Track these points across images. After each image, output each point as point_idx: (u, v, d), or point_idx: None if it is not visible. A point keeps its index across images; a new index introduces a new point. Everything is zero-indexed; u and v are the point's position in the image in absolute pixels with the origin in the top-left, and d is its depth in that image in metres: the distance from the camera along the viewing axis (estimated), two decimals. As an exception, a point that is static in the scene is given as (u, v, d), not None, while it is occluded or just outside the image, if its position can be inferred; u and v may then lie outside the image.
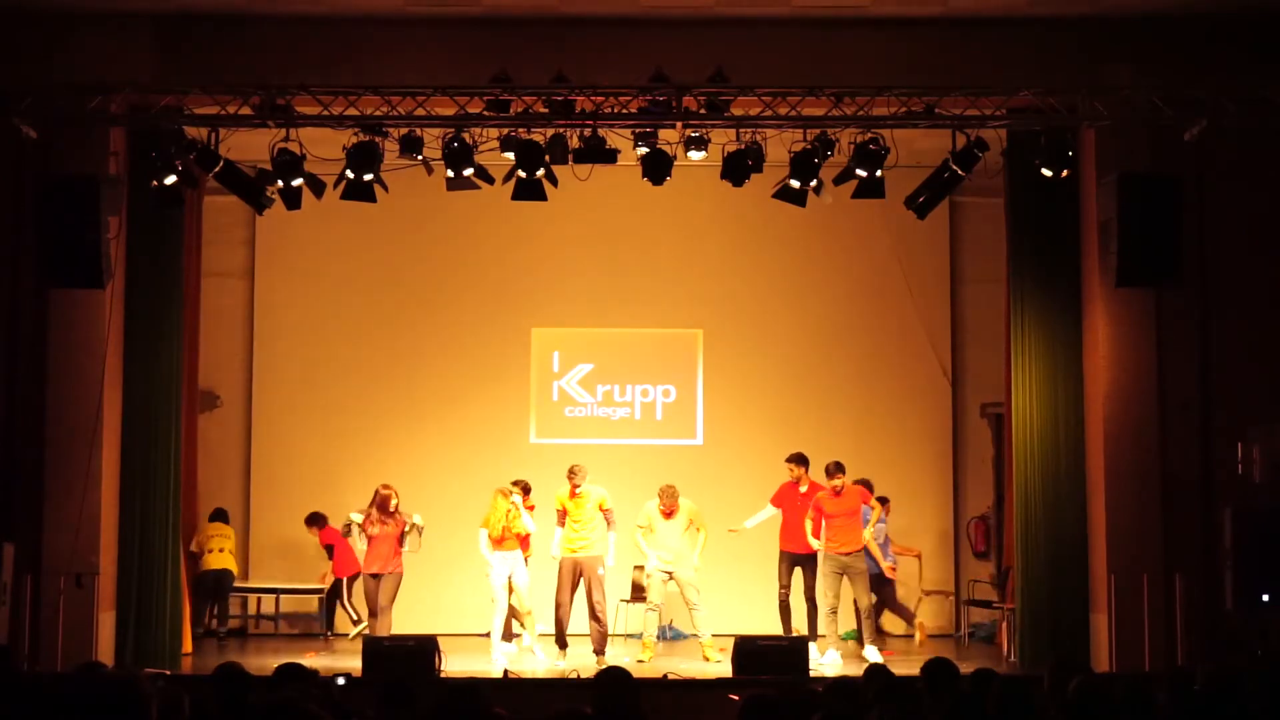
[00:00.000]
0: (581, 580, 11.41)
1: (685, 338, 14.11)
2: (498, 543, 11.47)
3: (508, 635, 11.70)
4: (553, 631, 11.45)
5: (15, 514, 10.99)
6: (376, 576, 11.41)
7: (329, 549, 13.15)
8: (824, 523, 11.56)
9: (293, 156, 10.42)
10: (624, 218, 13.79)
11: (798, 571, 11.98)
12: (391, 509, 11.43)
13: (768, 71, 10.68)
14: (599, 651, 11.36)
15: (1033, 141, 10.71)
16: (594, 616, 11.37)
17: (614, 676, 6.33)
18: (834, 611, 11.53)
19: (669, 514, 11.61)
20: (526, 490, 11.84)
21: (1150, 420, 11.23)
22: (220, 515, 13.11)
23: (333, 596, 13.27)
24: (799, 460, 12.02)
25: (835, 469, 11.60)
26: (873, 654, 11.40)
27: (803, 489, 11.93)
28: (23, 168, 10.99)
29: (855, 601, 11.61)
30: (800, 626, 12.08)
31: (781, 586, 12.04)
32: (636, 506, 11.83)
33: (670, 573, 11.60)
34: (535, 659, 11.51)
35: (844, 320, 14.03)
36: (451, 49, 11.18)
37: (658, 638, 11.96)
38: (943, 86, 10.44)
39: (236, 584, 13.16)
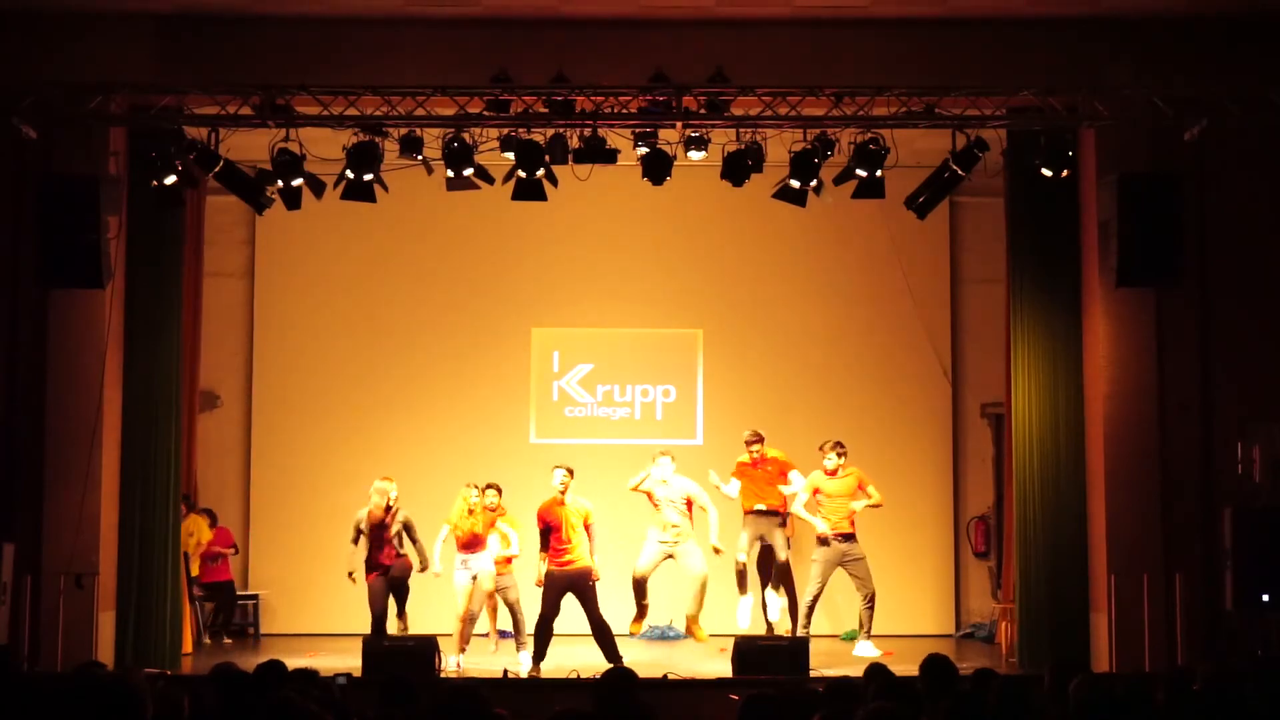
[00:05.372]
0: (571, 596, 10.89)
1: (685, 338, 14.12)
2: (463, 545, 11.19)
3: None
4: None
5: (15, 514, 10.99)
6: (385, 575, 11.06)
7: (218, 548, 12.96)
8: (818, 504, 11.41)
9: (293, 156, 10.43)
10: (624, 218, 13.79)
11: (758, 546, 11.62)
12: (390, 502, 11.07)
13: (768, 71, 10.68)
14: (615, 660, 10.84)
15: (1033, 141, 10.71)
16: (598, 634, 10.83)
17: (617, 676, 6.35)
18: (815, 600, 11.27)
19: (665, 481, 11.14)
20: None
21: (1150, 420, 11.23)
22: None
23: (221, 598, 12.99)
24: (760, 439, 11.64)
25: (831, 446, 11.39)
26: (866, 649, 11.28)
27: (768, 469, 11.59)
28: (23, 168, 10.99)
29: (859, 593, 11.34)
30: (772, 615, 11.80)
31: (742, 550, 11.52)
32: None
33: (672, 555, 11.16)
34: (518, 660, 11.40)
35: (844, 320, 14.03)
36: (451, 49, 11.18)
37: (656, 637, 11.90)
38: (943, 86, 10.44)
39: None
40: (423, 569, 11.19)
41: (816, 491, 11.48)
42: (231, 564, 13.27)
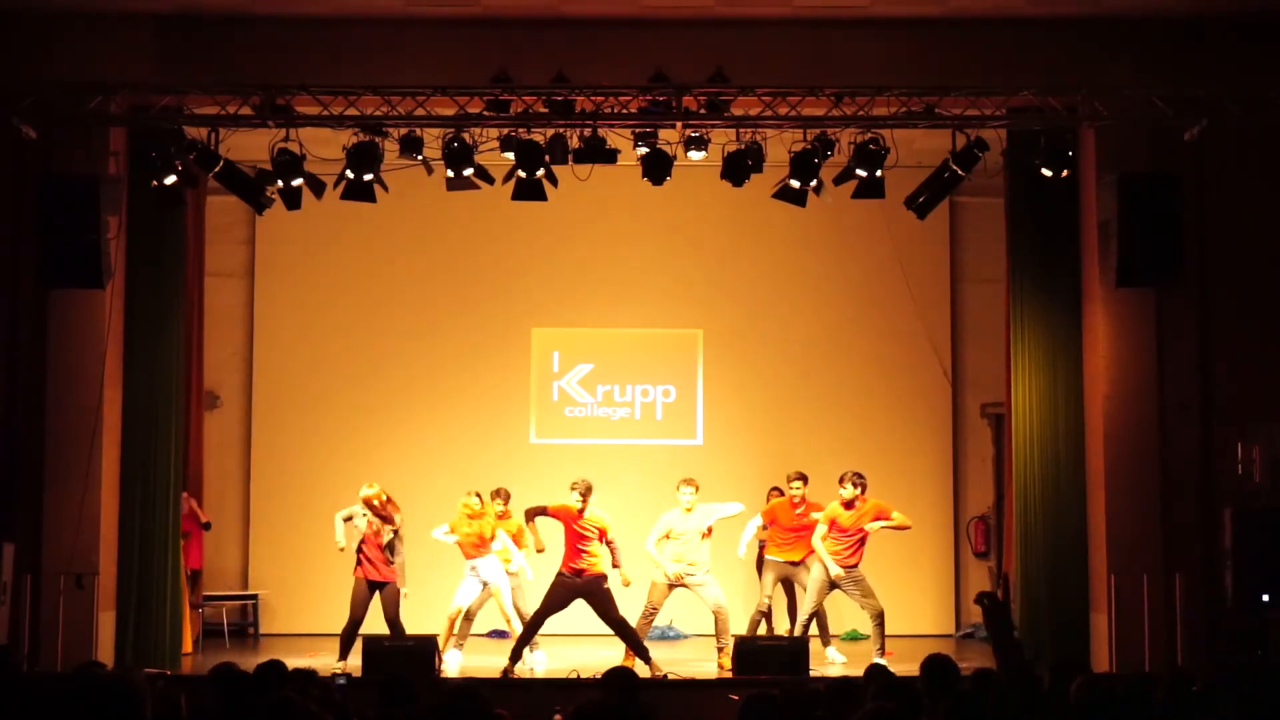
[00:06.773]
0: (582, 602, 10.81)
1: (685, 338, 14.12)
2: (468, 549, 11.19)
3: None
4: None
5: (15, 514, 10.99)
6: (374, 585, 10.98)
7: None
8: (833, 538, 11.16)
9: (293, 156, 10.43)
10: (624, 218, 13.81)
11: (779, 587, 11.71)
12: (379, 505, 11.03)
13: (768, 71, 10.68)
14: (646, 660, 10.67)
15: (1033, 141, 10.70)
16: (620, 631, 10.75)
17: (620, 675, 6.38)
18: (811, 617, 11.21)
19: (689, 508, 11.06)
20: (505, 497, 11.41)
21: (1150, 420, 11.23)
22: None
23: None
24: (804, 479, 11.53)
25: (849, 477, 11.14)
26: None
27: (798, 510, 11.48)
28: (23, 168, 10.99)
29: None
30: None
31: (766, 596, 11.58)
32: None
33: (684, 583, 11.06)
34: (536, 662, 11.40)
35: (844, 320, 14.04)
36: (451, 49, 11.18)
37: (656, 637, 11.86)
38: (943, 86, 10.44)
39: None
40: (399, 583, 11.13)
41: (833, 524, 11.17)
42: (203, 551, 12.72)
